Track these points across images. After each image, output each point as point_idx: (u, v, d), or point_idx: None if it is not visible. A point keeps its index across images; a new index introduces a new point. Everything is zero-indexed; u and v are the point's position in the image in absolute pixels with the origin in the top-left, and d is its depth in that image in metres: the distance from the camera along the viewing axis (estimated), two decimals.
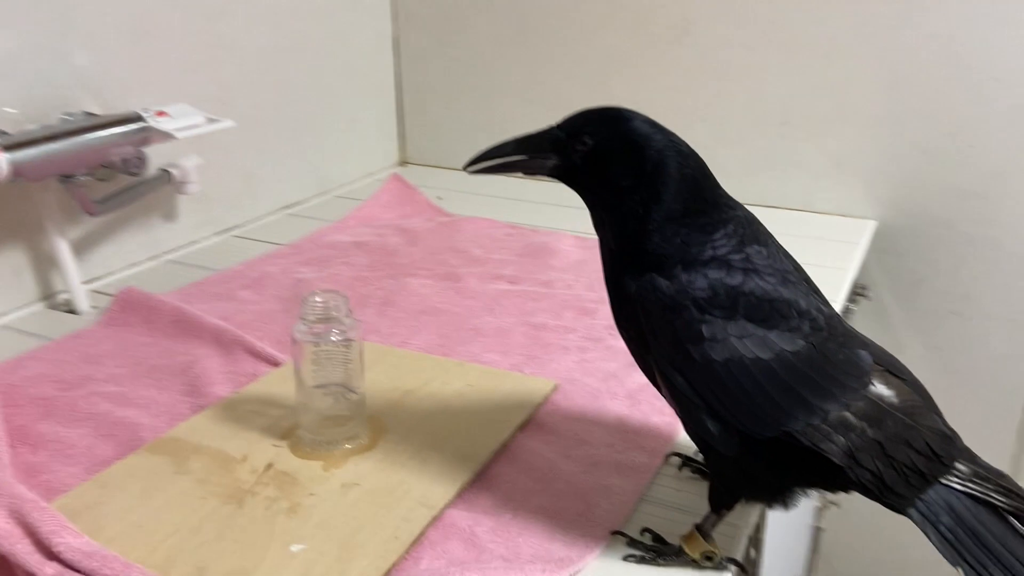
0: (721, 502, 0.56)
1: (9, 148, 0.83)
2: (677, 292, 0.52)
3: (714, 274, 0.52)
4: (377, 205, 1.33)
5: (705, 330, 0.52)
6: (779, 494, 0.55)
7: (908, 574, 1.32)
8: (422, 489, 0.64)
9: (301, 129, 1.35)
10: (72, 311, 1.00)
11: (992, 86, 1.12)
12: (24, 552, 0.56)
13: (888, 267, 1.21)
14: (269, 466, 0.67)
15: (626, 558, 0.58)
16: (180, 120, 0.97)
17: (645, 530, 0.60)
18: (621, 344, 0.87)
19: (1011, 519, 0.52)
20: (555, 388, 0.79)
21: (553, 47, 1.41)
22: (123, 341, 0.90)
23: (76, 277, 0.98)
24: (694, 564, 0.57)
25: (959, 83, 1.14)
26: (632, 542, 0.59)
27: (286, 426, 0.72)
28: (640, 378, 0.80)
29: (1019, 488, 0.53)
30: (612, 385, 0.80)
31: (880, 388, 0.53)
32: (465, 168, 0.58)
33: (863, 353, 0.54)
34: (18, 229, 0.97)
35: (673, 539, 0.58)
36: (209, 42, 1.16)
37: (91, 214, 0.96)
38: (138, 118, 0.95)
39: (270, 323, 0.95)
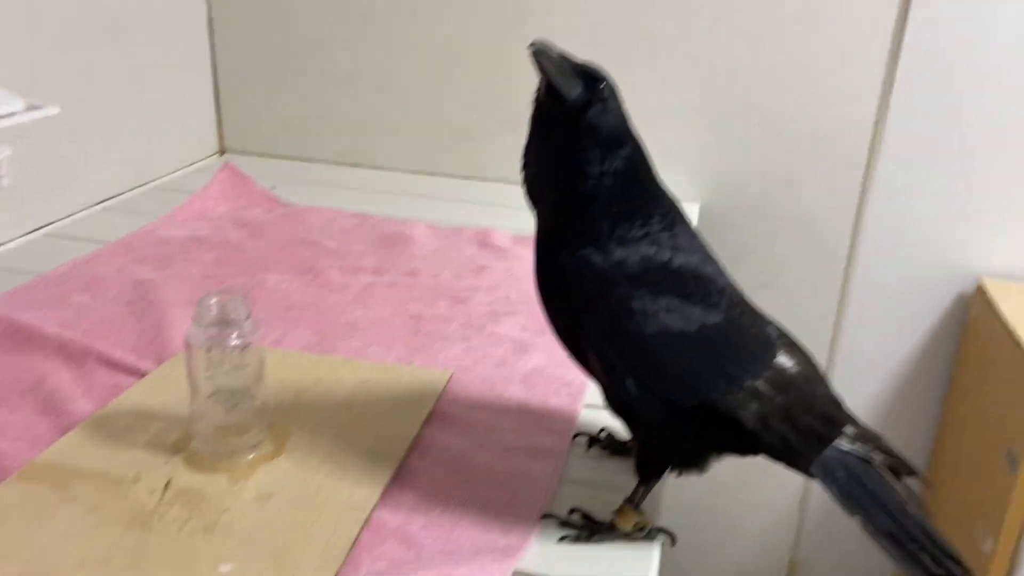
0: (650, 472, 0.60)
1: None
2: (611, 267, 0.55)
3: (645, 251, 0.55)
4: (209, 197, 1.24)
5: (636, 304, 0.55)
6: (697, 460, 0.60)
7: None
8: (344, 493, 0.62)
9: (114, 116, 1.24)
10: None
11: (796, 82, 1.26)
12: None
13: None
14: (168, 484, 0.62)
15: (561, 539, 0.60)
16: None
17: (573, 510, 0.62)
18: (504, 330, 0.90)
19: (886, 473, 0.60)
20: (450, 378, 0.79)
21: (382, 32, 1.39)
22: None
23: None
24: (626, 537, 0.60)
25: (768, 79, 1.27)
26: (563, 523, 0.61)
27: (174, 439, 0.67)
28: (531, 362, 0.83)
29: (892, 447, 0.60)
30: (504, 371, 0.81)
31: (783, 359, 0.59)
32: (533, 46, 0.55)
33: (770, 327, 0.60)
34: None
35: (601, 516, 0.61)
36: (10, 11, 1.03)
37: None
38: None
39: (119, 329, 0.87)
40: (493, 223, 1.20)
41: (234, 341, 0.63)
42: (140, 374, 0.78)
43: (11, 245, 1.08)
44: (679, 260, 0.56)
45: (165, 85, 1.35)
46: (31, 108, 0.89)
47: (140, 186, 1.33)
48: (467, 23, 1.35)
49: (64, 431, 0.69)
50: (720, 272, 0.59)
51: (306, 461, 0.66)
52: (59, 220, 1.17)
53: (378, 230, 1.17)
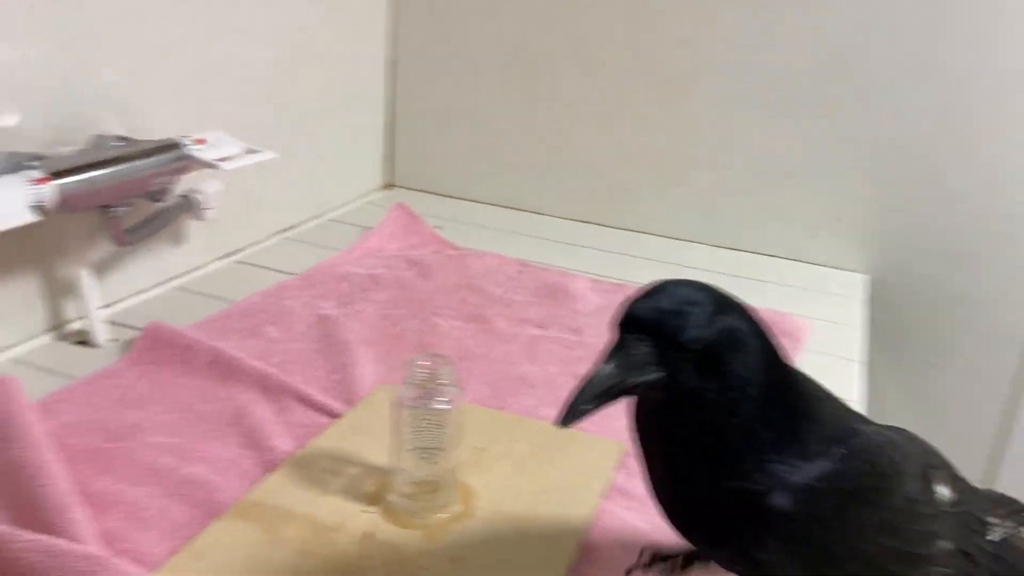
0: None
1: (56, 175, 0.77)
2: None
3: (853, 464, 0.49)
4: (383, 235, 1.30)
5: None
6: None
7: None
8: (530, 566, 0.64)
9: (293, 150, 1.32)
10: (85, 342, 0.94)
11: (983, 157, 1.21)
12: None
13: (877, 320, 1.28)
14: (368, 536, 0.65)
15: None
16: (219, 149, 0.93)
17: None
18: None
19: None
20: (624, 452, 0.80)
21: (556, 82, 1.42)
22: (159, 383, 0.86)
23: (96, 310, 0.92)
24: None
25: (953, 150, 1.22)
26: None
27: (370, 488, 0.71)
28: None
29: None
30: None
31: (942, 491, 0.54)
32: (560, 423, 0.47)
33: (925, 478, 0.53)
34: (35, 257, 0.91)
35: None
36: (209, 59, 1.11)
37: (121, 245, 0.91)
38: (177, 146, 0.90)
39: (307, 366, 0.92)
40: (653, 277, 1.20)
41: (440, 405, 0.66)
42: (331, 414, 0.83)
43: (207, 270, 1.16)
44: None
45: (340, 121, 1.43)
46: (250, 151, 0.96)
47: (315, 218, 1.40)
48: (640, 81, 1.36)
49: (266, 468, 0.74)
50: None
51: (493, 526, 0.68)
52: (246, 248, 1.25)
53: (540, 280, 1.20)
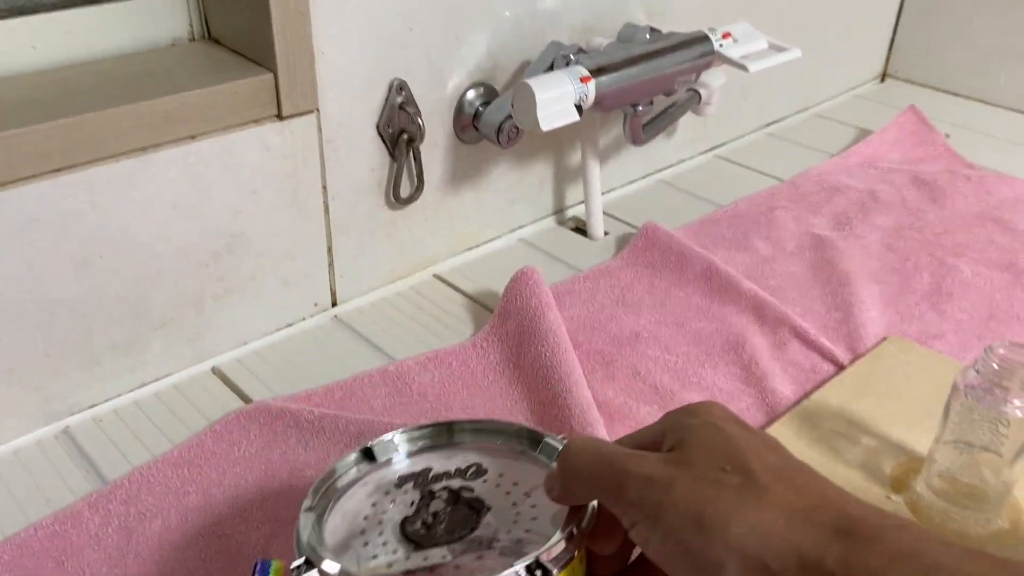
0: None
1: (595, 72, 0.75)
2: None
3: None
4: (884, 142, 1.14)
5: None
6: None
7: None
8: None
9: (791, 37, 1.18)
10: (581, 231, 0.96)
11: None
12: None
13: None
14: None
15: None
16: (745, 45, 0.85)
17: None
18: None
19: None
20: None
21: None
22: (654, 290, 0.85)
23: (599, 203, 0.93)
24: None
25: None
26: None
27: (892, 470, 0.63)
28: None
29: None
30: None
31: None
32: None
33: None
34: (554, 145, 0.93)
35: None
36: None
37: (637, 143, 0.89)
38: (706, 40, 0.84)
39: (803, 296, 0.84)
40: None
41: (1010, 408, 0.55)
42: (833, 361, 0.75)
43: (690, 164, 1.12)
44: None
45: (844, 4, 1.25)
46: (774, 48, 0.87)
47: (800, 112, 1.28)
48: None
49: (767, 413, 0.69)
50: None
51: None
52: (728, 143, 1.18)
53: None
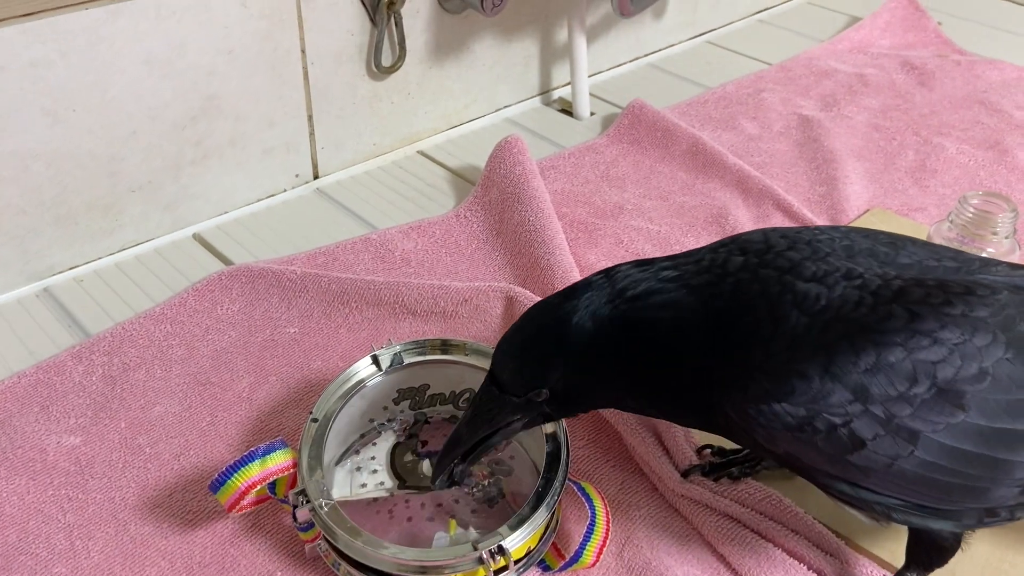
0: (932, 563, 0.44)
1: None
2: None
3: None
4: (875, 27, 1.12)
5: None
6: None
7: None
8: None
9: None
10: (567, 112, 0.95)
11: None
12: None
13: None
14: None
15: None
16: None
17: None
18: None
19: None
20: None
21: None
22: (640, 165, 0.84)
23: (585, 82, 0.91)
24: None
25: None
26: None
27: None
28: None
29: None
30: None
31: None
32: (434, 485, 0.45)
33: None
34: (540, 18, 0.91)
35: None
36: None
37: (625, 15, 0.87)
38: None
39: (788, 171, 0.84)
40: None
41: (988, 254, 0.55)
42: None
43: (679, 48, 1.10)
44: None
45: None
46: None
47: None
48: None
49: None
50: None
51: None
52: (719, 28, 1.15)
53: None
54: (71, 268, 0.68)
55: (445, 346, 0.52)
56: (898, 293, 0.39)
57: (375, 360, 0.50)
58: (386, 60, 0.79)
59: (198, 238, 0.73)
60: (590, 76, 0.98)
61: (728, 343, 0.40)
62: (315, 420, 0.47)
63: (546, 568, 0.47)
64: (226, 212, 0.75)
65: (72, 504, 0.49)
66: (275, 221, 0.75)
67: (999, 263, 0.43)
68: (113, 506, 0.50)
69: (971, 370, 0.37)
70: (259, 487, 0.45)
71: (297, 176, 0.79)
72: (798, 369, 0.38)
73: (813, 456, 0.39)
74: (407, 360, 0.51)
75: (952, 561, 0.43)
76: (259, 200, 0.77)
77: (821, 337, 0.38)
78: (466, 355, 0.51)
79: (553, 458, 0.46)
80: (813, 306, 0.39)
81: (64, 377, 0.57)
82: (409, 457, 0.49)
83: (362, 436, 0.51)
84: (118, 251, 0.70)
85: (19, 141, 0.60)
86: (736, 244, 0.43)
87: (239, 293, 0.65)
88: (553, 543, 0.48)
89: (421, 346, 0.51)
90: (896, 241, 0.43)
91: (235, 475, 0.45)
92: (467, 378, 0.51)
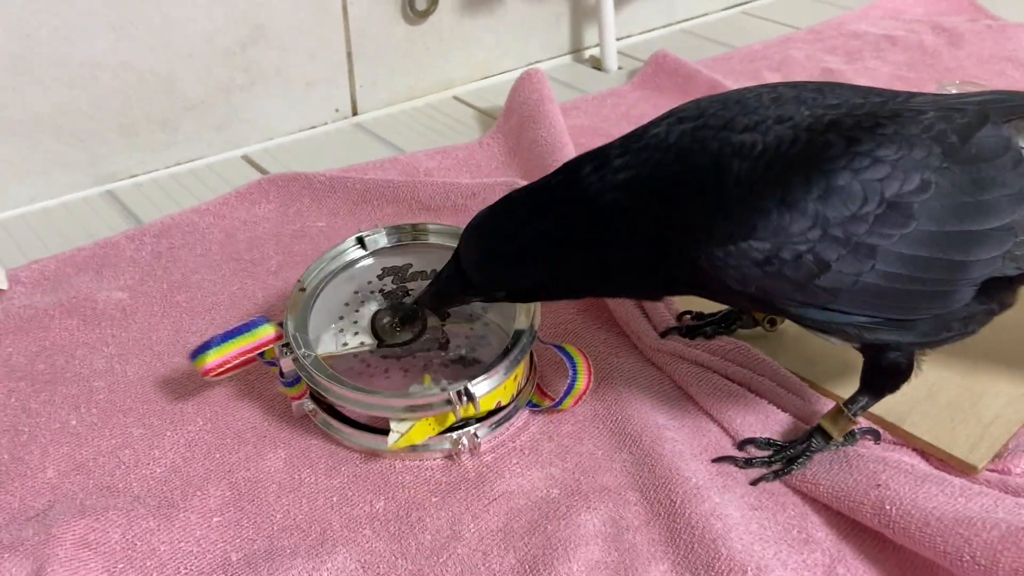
0: (884, 388, 0.47)
1: None
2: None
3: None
4: None
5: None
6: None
7: None
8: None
9: None
10: (598, 68, 1.00)
11: None
12: None
13: None
14: None
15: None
16: None
17: None
18: None
19: None
20: None
21: None
22: (658, 106, 0.88)
23: (613, 35, 0.96)
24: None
25: None
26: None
27: None
28: None
29: None
30: None
31: None
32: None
33: (991, 128, 0.43)
34: None
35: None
36: None
37: None
38: None
39: None
40: None
41: None
42: None
43: (714, 17, 1.14)
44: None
45: None
46: None
47: None
48: None
49: None
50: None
51: None
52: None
53: None
54: (131, 177, 0.76)
55: (426, 230, 0.56)
56: (829, 125, 0.42)
57: (360, 241, 0.55)
58: (420, 4, 0.85)
59: (247, 159, 0.80)
60: (622, 39, 1.03)
61: (684, 202, 0.43)
62: (302, 289, 0.52)
63: (534, 406, 0.52)
64: (271, 139, 0.82)
65: (115, 339, 0.56)
66: (316, 148, 0.82)
67: (923, 94, 0.46)
68: (150, 342, 0.56)
69: (914, 182, 0.41)
70: (237, 360, 0.48)
71: (337, 111, 0.86)
72: (756, 207, 0.41)
73: (784, 287, 0.42)
74: (390, 242, 0.55)
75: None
76: (301, 131, 0.84)
77: (767, 175, 0.42)
78: (446, 239, 0.56)
79: (523, 327, 0.50)
80: (751, 152, 0.42)
81: (117, 252, 0.65)
82: (387, 318, 0.53)
83: (346, 304, 0.54)
84: (174, 165, 0.78)
85: (88, 52, 0.69)
86: (674, 116, 0.46)
87: (275, 195, 0.72)
88: (540, 387, 0.52)
89: (403, 230, 0.56)
90: (822, 87, 0.46)
91: (212, 349, 0.48)
92: (446, 259, 0.55)
